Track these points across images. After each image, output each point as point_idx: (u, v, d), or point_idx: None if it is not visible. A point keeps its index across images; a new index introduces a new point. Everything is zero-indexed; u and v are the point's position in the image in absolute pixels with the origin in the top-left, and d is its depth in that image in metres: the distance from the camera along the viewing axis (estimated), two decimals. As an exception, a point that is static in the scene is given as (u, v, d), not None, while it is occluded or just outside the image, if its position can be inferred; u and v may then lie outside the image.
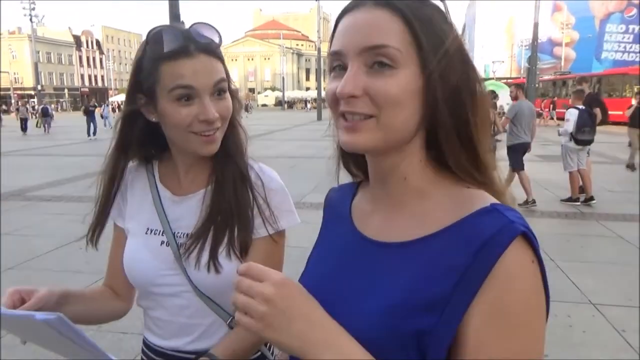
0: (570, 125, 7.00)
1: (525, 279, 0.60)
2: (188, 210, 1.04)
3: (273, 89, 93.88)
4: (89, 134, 20.38)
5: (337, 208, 0.85)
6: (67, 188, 8.96)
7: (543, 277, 0.62)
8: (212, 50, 0.97)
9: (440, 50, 0.64)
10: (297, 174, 9.07)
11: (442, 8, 0.68)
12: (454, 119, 0.67)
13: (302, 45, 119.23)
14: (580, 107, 7.17)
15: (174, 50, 0.94)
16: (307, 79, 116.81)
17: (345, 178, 0.87)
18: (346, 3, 0.69)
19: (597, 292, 4.04)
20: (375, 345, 0.62)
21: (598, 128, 7.68)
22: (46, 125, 25.45)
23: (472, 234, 0.62)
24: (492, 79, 31.90)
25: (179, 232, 1.03)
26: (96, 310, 1.11)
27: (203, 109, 0.95)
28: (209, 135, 0.98)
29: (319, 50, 37.21)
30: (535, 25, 22.34)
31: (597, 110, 7.53)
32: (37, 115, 27.93)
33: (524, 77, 29.64)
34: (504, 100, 22.37)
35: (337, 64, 0.67)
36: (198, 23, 0.98)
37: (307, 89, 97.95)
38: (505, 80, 30.57)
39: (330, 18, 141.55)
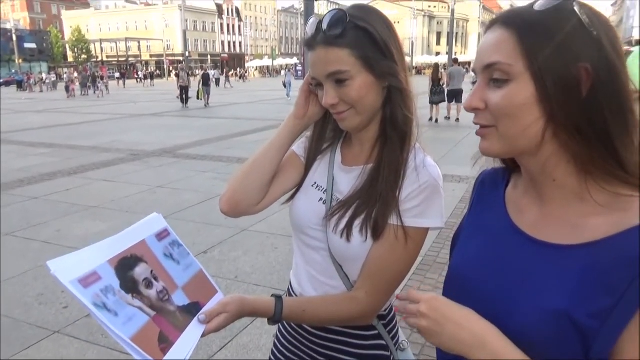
0: None
1: None
2: (348, 180, 1.12)
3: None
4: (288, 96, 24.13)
5: (489, 191, 0.89)
6: (209, 148, 9.89)
7: None
8: (330, 41, 1.00)
9: (556, 60, 0.65)
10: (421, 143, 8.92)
11: (579, 13, 0.66)
12: (582, 120, 0.66)
13: (434, 7, 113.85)
14: None
15: (305, 43, 1.06)
16: (438, 43, 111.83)
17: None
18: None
19: None
20: (538, 343, 0.67)
21: None
22: (206, 96, 20.51)
23: (633, 252, 0.62)
24: (658, 41, 27.50)
25: (335, 196, 1.12)
26: (266, 169, 1.15)
27: (324, 95, 1.04)
28: (337, 114, 1.06)
29: (452, 12, 35.16)
30: None
31: None
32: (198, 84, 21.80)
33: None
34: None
35: (475, 80, 0.75)
36: (330, 11, 1.01)
37: (437, 53, 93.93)
38: (675, 43, 26.11)
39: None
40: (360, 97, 1.02)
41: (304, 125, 1.16)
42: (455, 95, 13.65)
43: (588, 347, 0.65)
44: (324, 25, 0.99)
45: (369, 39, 1.00)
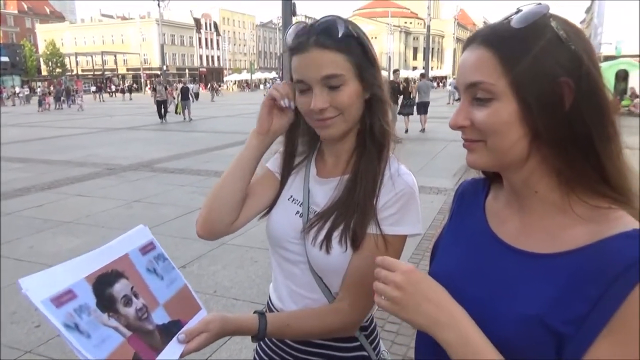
0: None
1: None
2: (324, 191, 1.12)
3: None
4: None
5: (469, 201, 0.91)
6: (187, 161, 9.79)
7: None
8: (327, 44, 0.99)
9: (537, 78, 0.67)
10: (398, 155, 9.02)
11: (555, 28, 0.67)
12: (565, 135, 0.68)
13: (410, 23, 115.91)
14: None
15: (292, 45, 1.04)
16: (415, 57, 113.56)
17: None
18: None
19: None
20: (514, 347, 0.69)
21: None
22: (186, 111, 19.82)
23: (608, 260, 0.64)
24: (625, 56, 28.41)
25: (312, 208, 1.12)
26: (233, 191, 1.13)
27: (313, 99, 1.02)
28: (322, 120, 1.04)
29: (428, 27, 35.94)
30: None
31: None
32: (176, 97, 21.08)
33: (664, 55, 26.07)
34: (636, 81, 19.91)
35: (458, 97, 0.75)
36: (325, 16, 1.02)
37: (414, 68, 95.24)
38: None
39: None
40: (350, 104, 1.03)
41: (269, 140, 1.15)
42: (423, 106, 14.48)
43: (562, 348, 0.66)
44: (320, 29, 1.00)
45: (361, 47, 1.03)
